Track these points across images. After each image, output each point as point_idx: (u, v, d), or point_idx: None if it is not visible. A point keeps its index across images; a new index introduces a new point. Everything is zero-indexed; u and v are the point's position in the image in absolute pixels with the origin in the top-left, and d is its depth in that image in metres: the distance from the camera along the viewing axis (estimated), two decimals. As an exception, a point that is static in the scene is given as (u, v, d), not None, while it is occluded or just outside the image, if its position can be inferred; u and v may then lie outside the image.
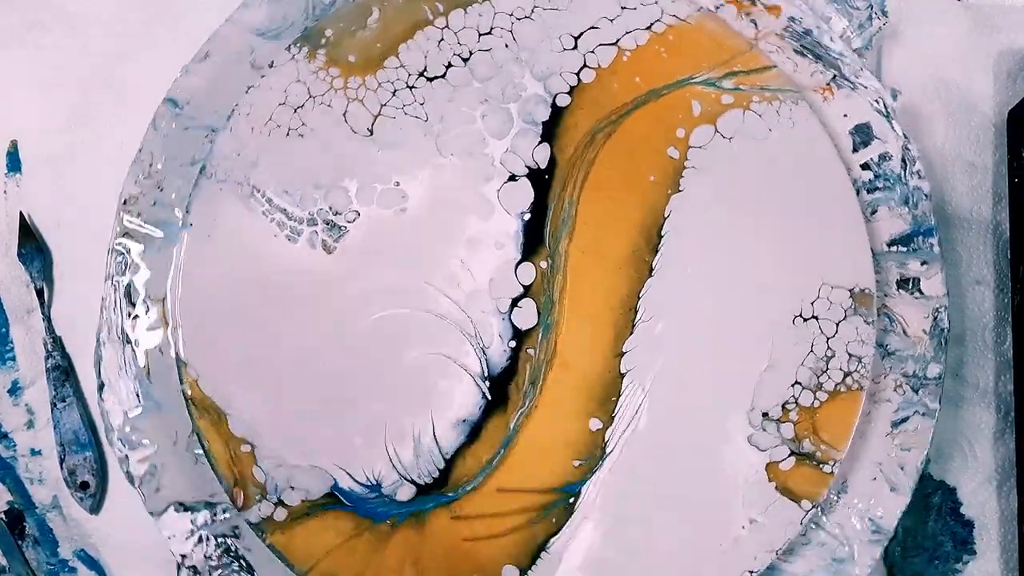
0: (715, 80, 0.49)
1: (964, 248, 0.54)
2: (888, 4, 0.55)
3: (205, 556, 0.47)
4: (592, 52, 0.49)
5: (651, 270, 0.48)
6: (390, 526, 0.46)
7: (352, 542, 0.46)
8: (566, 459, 0.47)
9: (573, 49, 0.49)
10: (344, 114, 0.48)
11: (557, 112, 0.48)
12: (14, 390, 0.53)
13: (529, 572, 0.46)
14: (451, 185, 0.48)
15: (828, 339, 0.48)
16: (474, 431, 0.47)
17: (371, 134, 0.48)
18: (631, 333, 0.48)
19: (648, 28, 0.49)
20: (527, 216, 0.48)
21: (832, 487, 0.47)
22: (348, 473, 0.47)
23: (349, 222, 0.48)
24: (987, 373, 0.53)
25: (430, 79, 0.48)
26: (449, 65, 0.48)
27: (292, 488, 0.46)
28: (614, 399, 0.47)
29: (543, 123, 0.48)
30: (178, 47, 0.51)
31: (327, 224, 0.48)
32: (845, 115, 0.50)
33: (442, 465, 0.47)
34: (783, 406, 0.47)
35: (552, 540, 0.47)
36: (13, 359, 0.53)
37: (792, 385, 0.48)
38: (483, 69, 0.48)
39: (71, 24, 0.55)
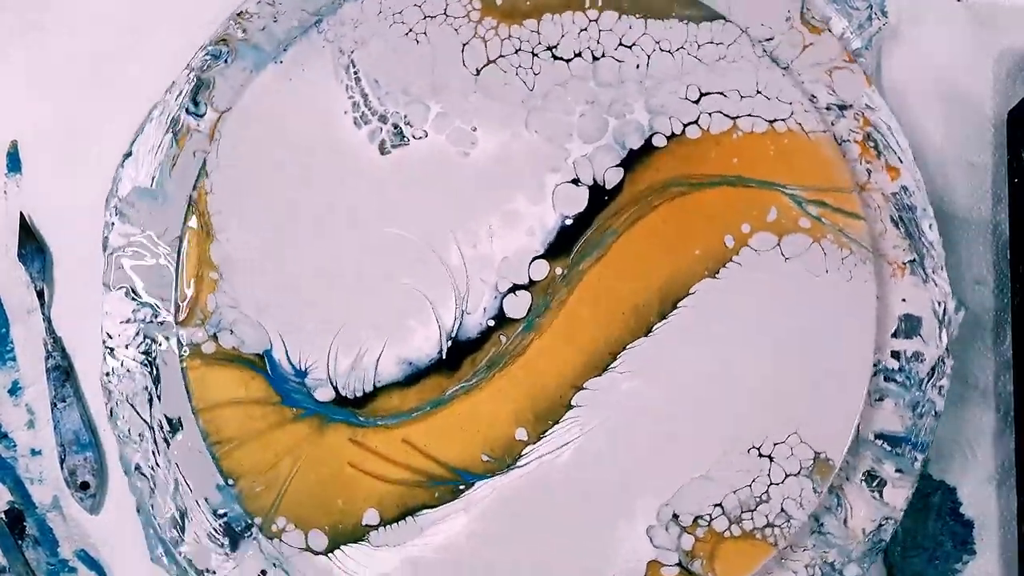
0: (803, 200, 0.48)
1: (964, 248, 0.54)
2: (888, 4, 0.54)
3: (125, 345, 0.48)
4: (709, 114, 0.49)
5: (649, 330, 0.48)
6: (294, 415, 0.47)
7: (253, 408, 0.47)
8: (478, 448, 0.47)
9: (694, 102, 0.49)
10: (464, 44, 0.49)
11: (648, 148, 0.49)
12: (14, 390, 0.53)
13: (386, 527, 0.46)
14: (520, 157, 0.48)
15: (771, 484, 0.47)
16: (412, 378, 0.47)
17: (477, 74, 0.49)
18: (599, 375, 0.47)
19: (770, 122, 0.49)
20: (569, 221, 0.48)
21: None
22: (286, 348, 0.47)
23: (415, 137, 0.49)
24: (987, 373, 0.53)
25: (555, 57, 0.49)
26: (578, 54, 0.49)
27: (232, 332, 0.47)
28: (551, 423, 0.47)
29: (630, 151, 0.49)
30: (178, 46, 0.51)
31: (395, 128, 0.49)
32: (904, 300, 0.49)
33: (369, 390, 0.47)
34: (696, 518, 0.47)
35: (424, 511, 0.46)
36: (13, 359, 0.53)
37: (715, 505, 0.47)
38: (605, 74, 0.49)
39: (71, 24, 0.55)
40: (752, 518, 0.47)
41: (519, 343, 0.47)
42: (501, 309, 0.48)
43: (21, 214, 0.53)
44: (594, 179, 0.48)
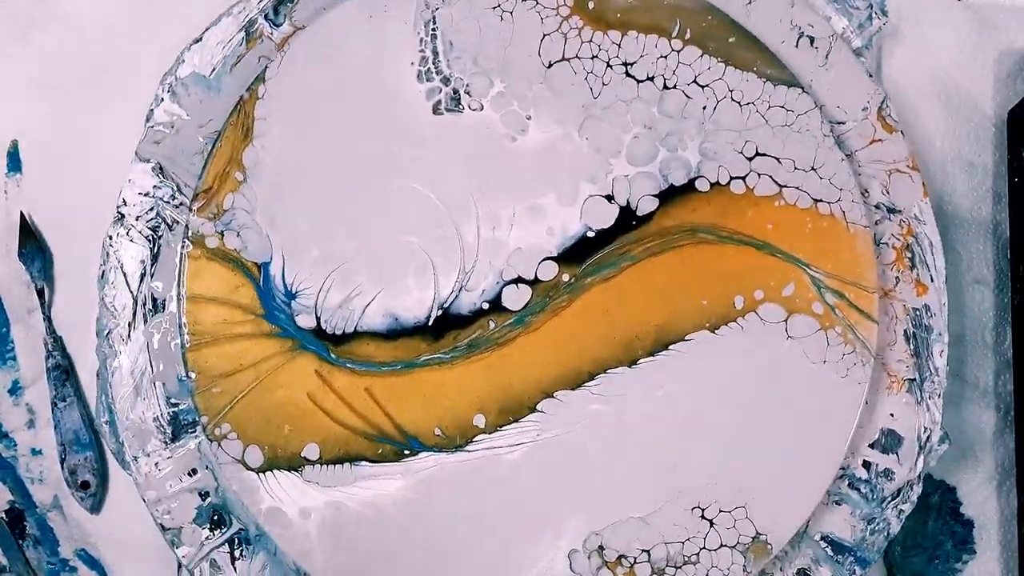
0: (824, 285, 0.48)
1: (964, 248, 0.54)
2: (888, 4, 0.55)
3: (136, 216, 0.49)
4: (759, 175, 0.48)
5: (634, 362, 0.47)
6: (270, 331, 0.47)
7: (235, 312, 0.47)
8: (434, 421, 0.47)
9: (748, 159, 0.49)
10: (546, 35, 0.49)
11: (688, 188, 0.48)
12: (15, 390, 0.53)
13: (322, 465, 0.46)
14: (564, 158, 0.49)
15: (703, 548, 0.46)
16: (394, 333, 0.47)
17: (548, 67, 0.49)
18: (572, 389, 0.47)
19: (816, 200, 0.48)
20: (591, 234, 0.48)
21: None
22: (284, 265, 0.48)
23: (470, 108, 0.49)
24: (987, 373, 0.53)
25: (628, 74, 0.49)
26: (650, 78, 0.49)
27: (238, 235, 0.48)
28: (511, 419, 0.47)
29: (671, 185, 0.48)
30: (178, 46, 0.51)
31: (454, 94, 0.49)
32: (892, 415, 0.48)
33: (350, 331, 0.47)
34: (620, 557, 0.46)
35: (363, 463, 0.47)
36: (14, 359, 0.53)
37: (644, 551, 0.46)
38: (671, 106, 0.49)
39: (70, 24, 0.55)
40: (675, 575, 0.46)
41: (505, 334, 0.47)
42: (499, 296, 0.48)
43: (21, 214, 0.53)
44: (628, 201, 0.48)
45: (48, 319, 0.53)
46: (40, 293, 0.53)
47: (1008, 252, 0.53)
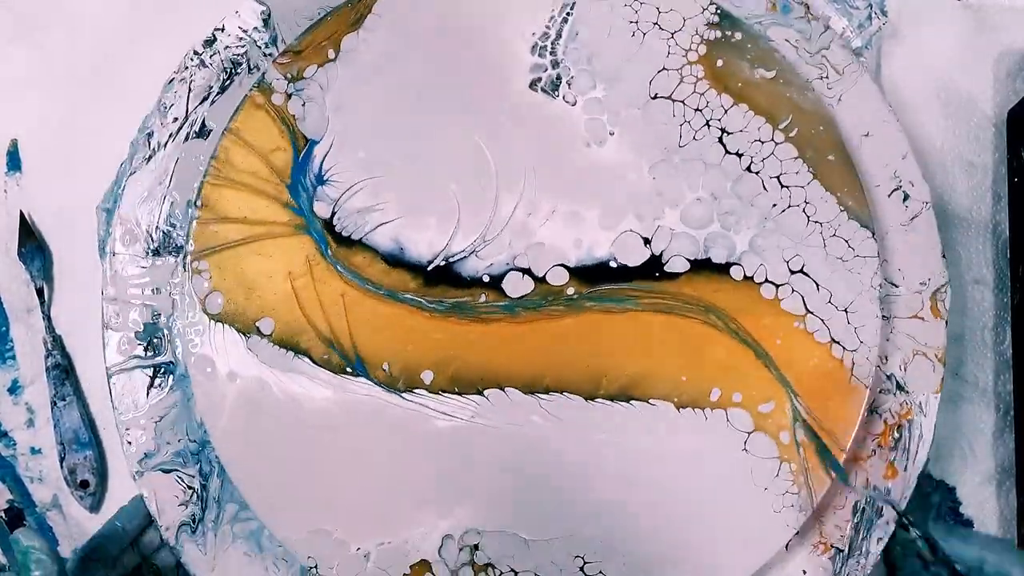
0: (800, 419, 0.47)
1: (964, 248, 0.54)
2: (888, 4, 0.55)
3: (227, 46, 0.50)
4: (792, 291, 0.48)
5: (591, 398, 0.47)
6: (286, 202, 0.48)
7: (264, 167, 0.48)
8: (386, 355, 0.47)
9: (790, 271, 0.48)
10: (663, 68, 0.49)
11: (723, 269, 0.48)
12: (14, 389, 0.53)
13: (269, 341, 0.47)
14: (625, 183, 0.49)
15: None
16: (392, 259, 0.48)
17: (652, 98, 0.49)
18: (525, 392, 0.47)
19: (833, 340, 0.47)
20: (614, 265, 0.48)
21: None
22: (328, 151, 0.49)
23: (564, 99, 0.49)
24: (987, 372, 0.53)
25: (721, 140, 0.49)
26: (739, 154, 0.49)
27: (303, 105, 0.49)
28: (456, 391, 0.47)
29: (707, 258, 0.48)
30: (178, 46, 0.51)
31: (556, 79, 0.49)
32: (804, 572, 0.47)
33: (356, 238, 0.48)
34: (488, 565, 0.46)
35: (306, 358, 0.47)
36: (13, 358, 0.54)
37: (512, 570, 0.46)
38: (744, 188, 0.48)
39: (71, 24, 0.55)
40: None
41: (490, 313, 0.48)
42: (502, 277, 0.48)
43: (21, 213, 0.54)
44: (662, 253, 0.48)
45: (48, 318, 0.53)
46: (40, 292, 0.53)
47: (1008, 252, 0.53)
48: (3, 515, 0.52)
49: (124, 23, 0.55)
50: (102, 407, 0.52)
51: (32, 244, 0.53)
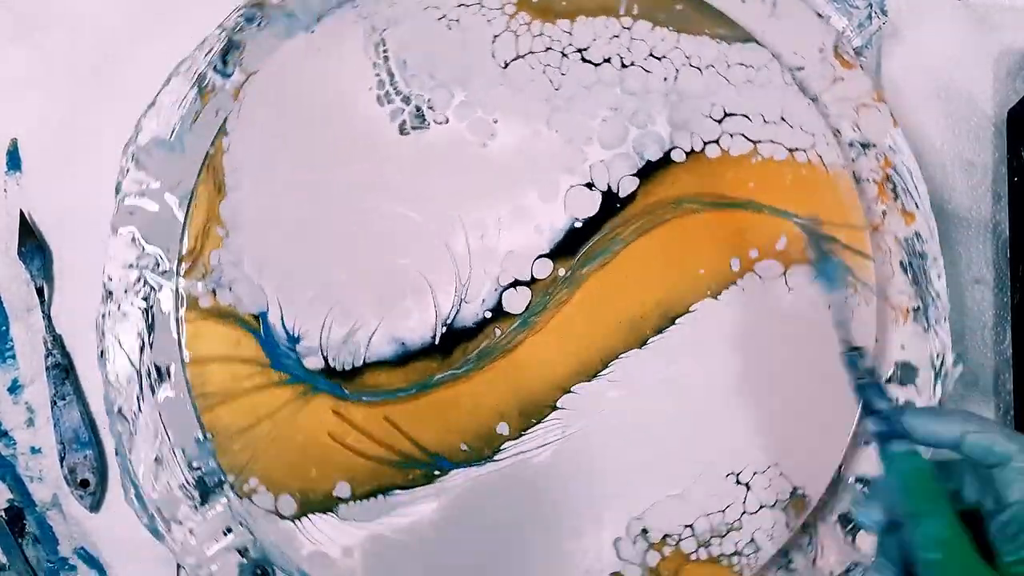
0: (814, 232, 0.48)
1: (964, 247, 0.54)
2: (888, 4, 0.54)
3: (124, 290, 0.49)
4: (731, 136, 0.49)
5: (644, 343, 0.47)
6: (280, 379, 0.47)
7: (241, 367, 0.47)
8: (457, 437, 0.47)
9: (717, 121, 0.49)
10: (496, 36, 0.49)
11: (665, 161, 0.49)
12: (14, 388, 0.53)
13: (356, 501, 0.46)
14: (536, 154, 0.49)
15: (744, 513, 0.47)
16: (403, 358, 0.47)
17: (504, 67, 0.49)
18: (587, 381, 0.47)
19: (791, 150, 0.49)
20: (578, 224, 0.48)
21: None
22: (282, 312, 0.47)
23: (435, 122, 0.49)
24: (987, 373, 0.53)
25: (584, 59, 0.49)
26: (607, 60, 0.49)
27: (230, 289, 0.47)
28: (534, 421, 0.47)
29: (648, 162, 0.49)
30: (178, 46, 0.51)
31: (417, 111, 0.49)
32: (903, 347, 0.49)
33: (359, 364, 0.47)
34: (665, 536, 0.46)
35: (396, 491, 0.46)
36: (13, 357, 0.53)
37: (686, 526, 0.46)
38: (632, 83, 0.49)
39: (71, 24, 0.55)
40: (721, 544, 0.46)
41: (512, 338, 0.47)
42: (500, 302, 0.48)
43: (21, 212, 0.53)
44: (608, 185, 0.48)
45: (48, 317, 0.53)
46: (40, 291, 0.53)
47: (1008, 252, 0.53)
48: (3, 515, 0.52)
49: (124, 23, 0.55)
50: (102, 407, 0.50)
51: (32, 244, 0.53)
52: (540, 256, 0.48)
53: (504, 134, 0.49)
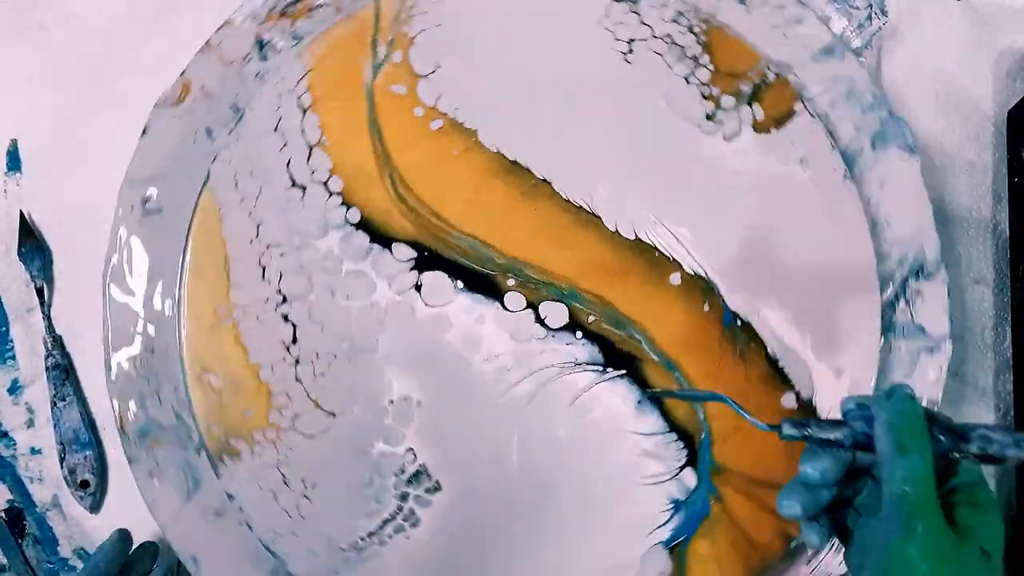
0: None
1: (964, 247, 0.54)
2: (888, 4, 0.54)
3: None
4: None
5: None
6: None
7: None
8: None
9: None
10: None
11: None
12: (14, 389, 0.53)
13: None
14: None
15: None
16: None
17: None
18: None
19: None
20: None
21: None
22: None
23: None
24: (987, 373, 0.53)
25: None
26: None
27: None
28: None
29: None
30: (178, 47, 0.51)
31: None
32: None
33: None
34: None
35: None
36: (13, 358, 0.53)
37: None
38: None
39: (71, 24, 0.55)
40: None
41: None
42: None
43: (21, 212, 0.54)
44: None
45: (48, 318, 0.53)
46: (40, 292, 0.53)
47: (1008, 252, 0.53)
48: (3, 515, 0.52)
49: (124, 23, 0.55)
50: (102, 407, 0.52)
51: (32, 244, 0.53)
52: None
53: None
